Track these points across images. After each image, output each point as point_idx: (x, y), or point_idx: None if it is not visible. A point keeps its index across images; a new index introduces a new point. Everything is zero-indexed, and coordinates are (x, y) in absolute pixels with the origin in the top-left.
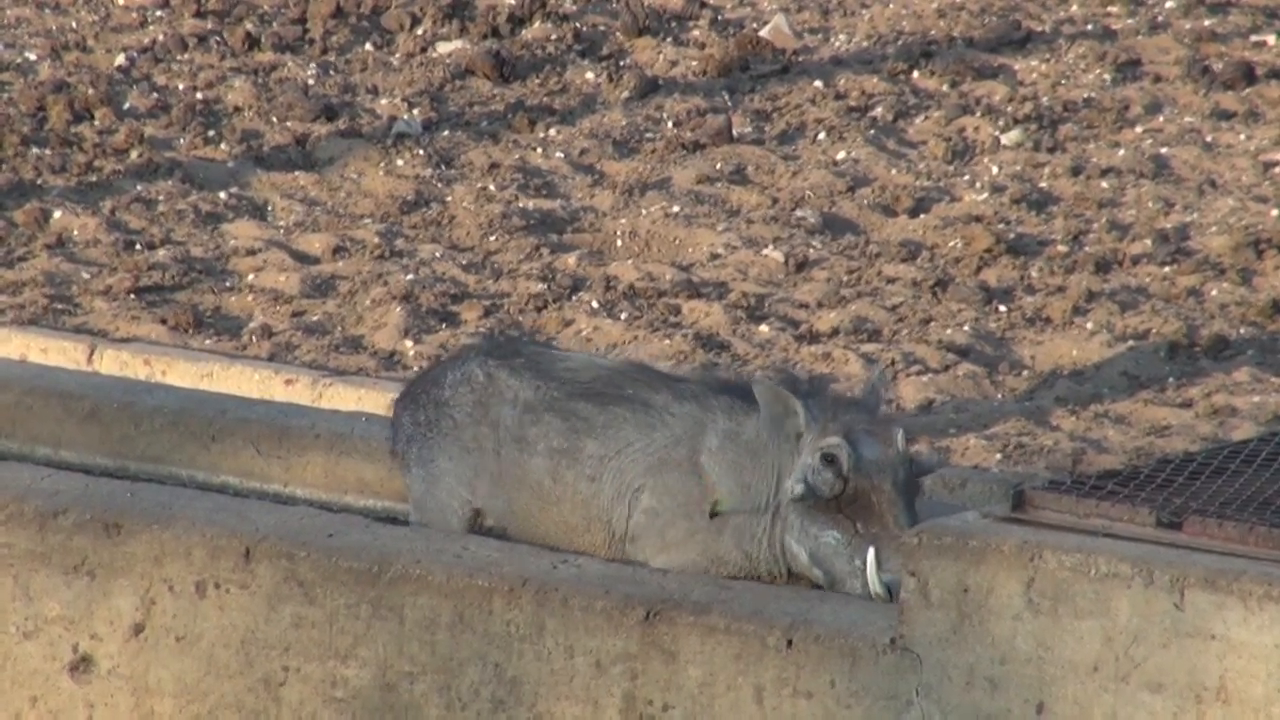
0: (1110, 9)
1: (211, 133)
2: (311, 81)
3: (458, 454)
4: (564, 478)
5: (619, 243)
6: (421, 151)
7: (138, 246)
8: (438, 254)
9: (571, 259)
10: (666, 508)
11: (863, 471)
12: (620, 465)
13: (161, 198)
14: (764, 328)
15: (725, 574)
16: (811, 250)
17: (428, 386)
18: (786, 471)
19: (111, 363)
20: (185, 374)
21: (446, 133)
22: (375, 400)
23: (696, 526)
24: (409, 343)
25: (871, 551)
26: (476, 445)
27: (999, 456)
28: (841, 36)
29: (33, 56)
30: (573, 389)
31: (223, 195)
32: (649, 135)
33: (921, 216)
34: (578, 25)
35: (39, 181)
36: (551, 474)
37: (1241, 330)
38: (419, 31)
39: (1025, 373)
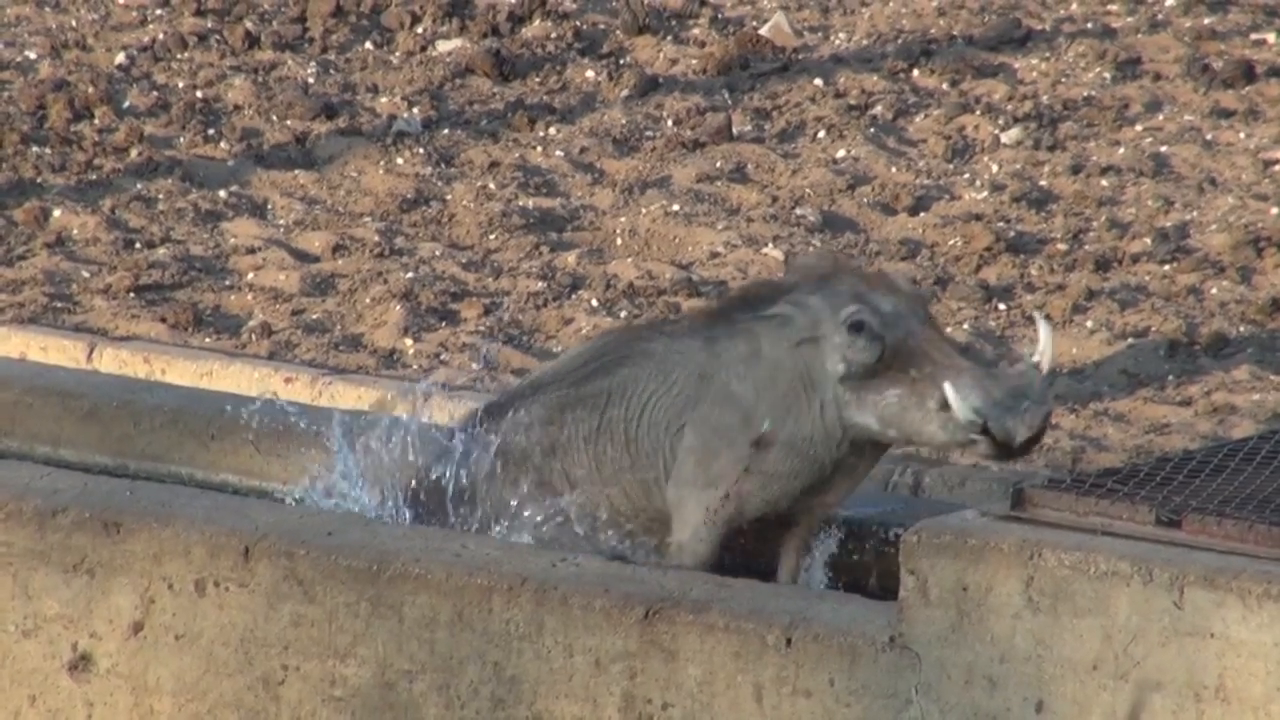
0: (1110, 7)
1: (211, 131)
2: (311, 80)
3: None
4: (607, 455)
5: (619, 241)
6: (421, 150)
7: (137, 245)
8: (437, 252)
9: (571, 257)
10: (707, 440)
11: (891, 324)
12: (651, 418)
13: (161, 196)
14: None
15: (778, 486)
16: (811, 248)
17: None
18: (814, 367)
19: (111, 361)
20: (185, 372)
21: (446, 131)
22: (374, 399)
23: (740, 455)
24: (409, 341)
25: (949, 386)
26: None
27: None
28: (841, 35)
29: (33, 55)
30: (574, 379)
31: (222, 194)
32: (649, 133)
33: (921, 215)
34: (577, 23)
35: (39, 180)
36: (595, 460)
37: (1241, 328)
38: (419, 30)
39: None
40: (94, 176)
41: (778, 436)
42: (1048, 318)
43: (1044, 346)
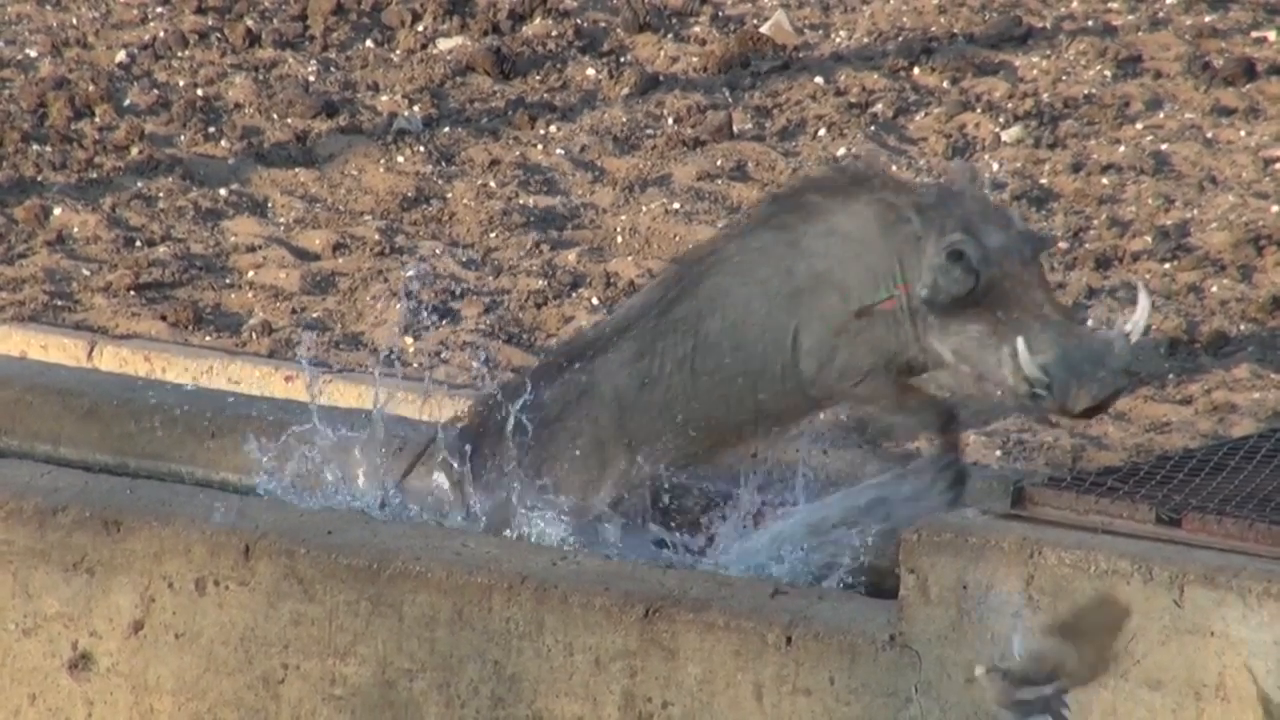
0: (1111, 5)
1: (212, 129)
2: (312, 78)
3: (602, 443)
4: (705, 368)
5: (619, 239)
6: (422, 148)
7: (138, 243)
8: (438, 250)
9: (572, 255)
10: (822, 336)
11: (991, 261)
12: (752, 321)
13: (162, 194)
14: None
15: (888, 388)
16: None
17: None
18: (908, 257)
19: (111, 359)
20: (185, 371)
21: (447, 129)
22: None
23: (855, 335)
24: (409, 339)
25: (1021, 339)
26: (616, 432)
27: (999, 453)
28: (842, 33)
29: (33, 53)
30: (658, 310)
31: (223, 192)
32: (649, 132)
33: None
34: (578, 22)
35: (39, 178)
36: (694, 379)
37: (1242, 327)
38: (419, 28)
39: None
40: (94, 175)
41: (877, 317)
42: (1148, 289)
43: (1138, 316)
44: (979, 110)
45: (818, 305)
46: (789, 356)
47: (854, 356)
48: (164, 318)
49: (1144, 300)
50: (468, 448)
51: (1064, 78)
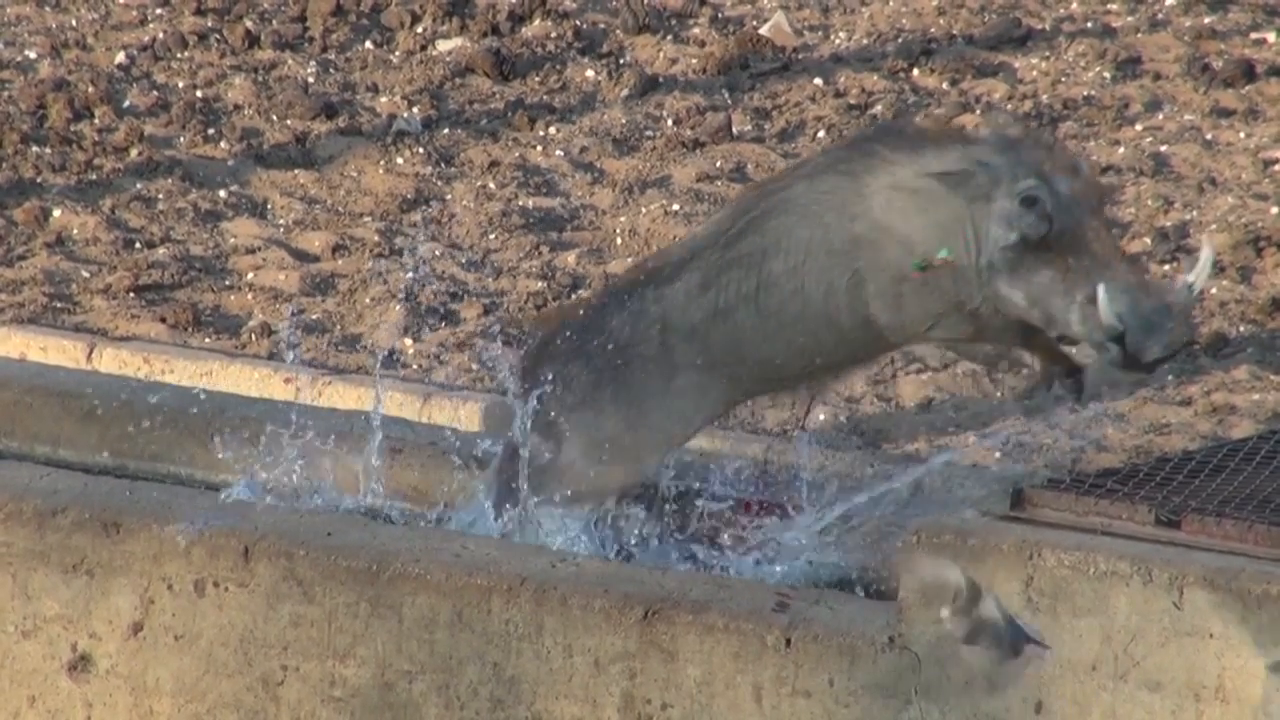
0: (1110, 6)
1: (211, 131)
2: (311, 79)
3: (676, 371)
4: (769, 308)
5: (619, 241)
6: (421, 149)
7: (137, 245)
8: (437, 252)
9: (571, 257)
10: (887, 284)
11: (1064, 207)
12: (813, 265)
13: (161, 196)
14: None
15: (963, 326)
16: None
17: (586, 341)
18: (978, 209)
19: (111, 361)
20: (185, 372)
21: (446, 130)
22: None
23: (919, 284)
24: (408, 341)
25: (1102, 285)
26: (691, 355)
27: (998, 455)
28: (842, 34)
29: (32, 54)
30: (724, 243)
31: (222, 193)
32: (649, 133)
33: None
34: (578, 23)
35: (39, 180)
36: (761, 316)
37: (1241, 328)
38: (419, 29)
39: (1025, 371)
40: (94, 176)
41: (944, 269)
42: (1212, 241)
43: (1201, 267)
44: (978, 111)
45: (880, 256)
46: (853, 303)
47: (922, 304)
48: (163, 319)
49: (1207, 252)
50: (531, 372)
51: (1063, 79)
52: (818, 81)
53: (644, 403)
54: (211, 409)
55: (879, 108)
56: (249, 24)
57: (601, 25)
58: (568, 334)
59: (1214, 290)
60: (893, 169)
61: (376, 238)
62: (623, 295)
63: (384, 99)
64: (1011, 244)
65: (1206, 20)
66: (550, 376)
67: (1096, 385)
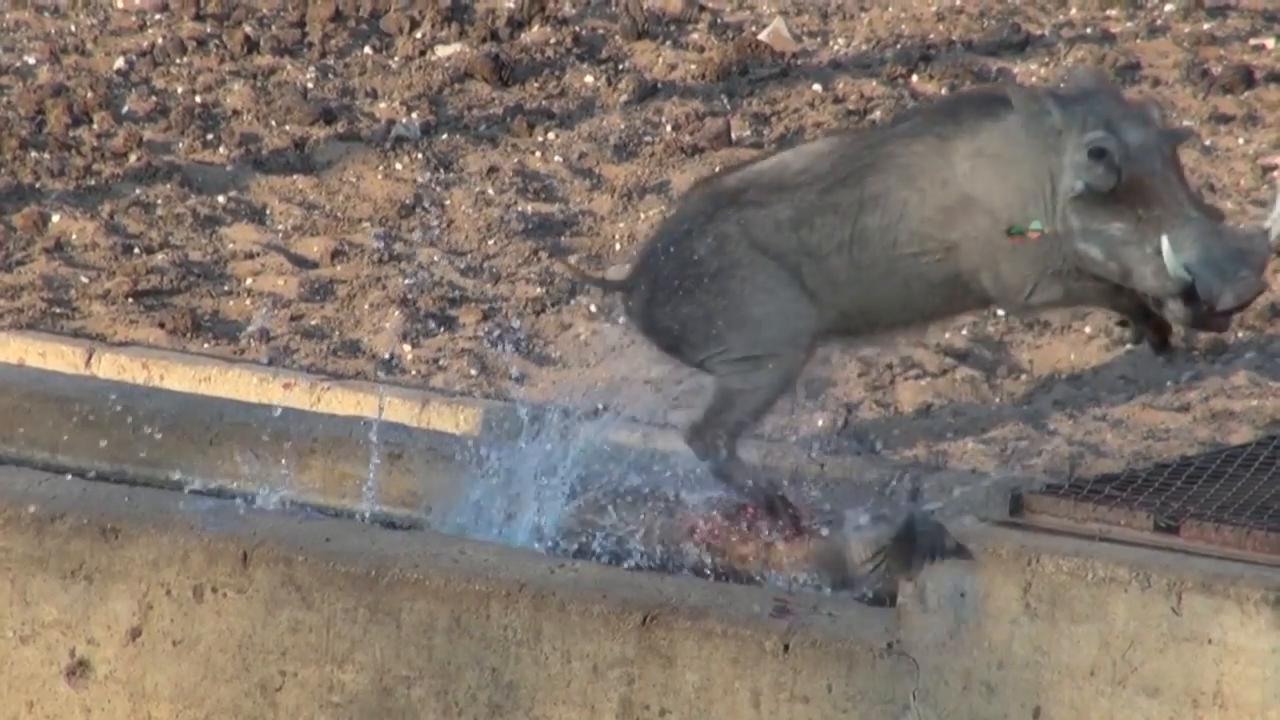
0: (1109, 12)
1: (210, 136)
2: (310, 85)
3: (769, 290)
4: (861, 260)
5: (617, 246)
6: (420, 155)
7: (136, 250)
8: (436, 257)
9: (570, 262)
10: (982, 255)
11: (1133, 158)
12: (907, 227)
13: (160, 201)
14: None
15: (1056, 288)
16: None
17: (678, 261)
18: (1056, 169)
19: (109, 367)
20: (183, 378)
21: (445, 136)
22: (373, 404)
23: (1013, 252)
24: (407, 346)
25: (1166, 237)
26: (773, 284)
27: (997, 461)
28: (840, 40)
29: (31, 60)
30: (821, 186)
31: (221, 199)
32: (648, 139)
33: None
34: (577, 29)
35: (38, 185)
36: (853, 264)
37: (1239, 334)
38: (418, 35)
39: (1023, 377)
40: (93, 182)
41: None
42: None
43: (1278, 213)
44: None
45: (972, 228)
46: (947, 268)
47: (1018, 271)
48: (162, 325)
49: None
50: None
51: (1062, 84)
52: (816, 87)
53: (751, 315)
54: (210, 414)
55: (878, 113)
56: (248, 29)
57: (601, 31)
58: (657, 265)
59: None
60: (975, 136)
61: (375, 243)
62: (701, 218)
63: (383, 104)
64: (1079, 194)
65: (1205, 26)
66: (655, 316)
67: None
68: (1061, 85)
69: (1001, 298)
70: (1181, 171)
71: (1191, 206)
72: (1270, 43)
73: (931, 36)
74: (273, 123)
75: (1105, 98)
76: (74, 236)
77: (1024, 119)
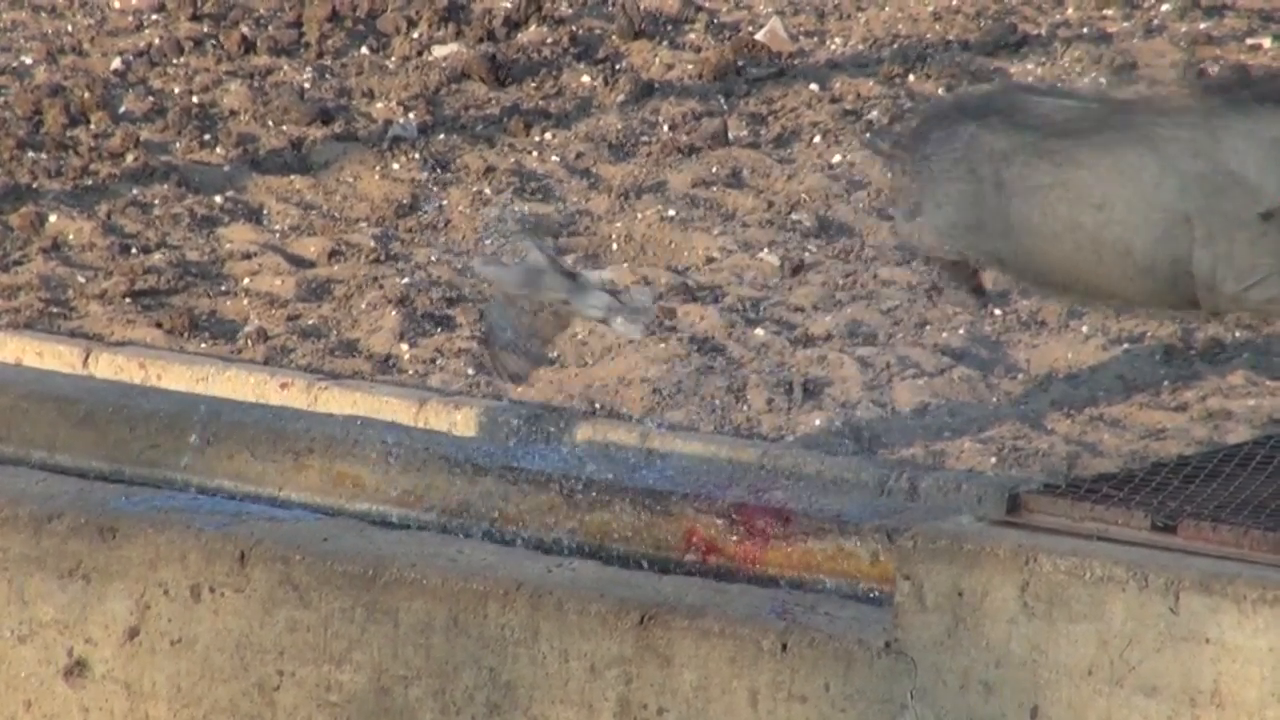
0: (1106, 12)
1: (207, 136)
2: (307, 85)
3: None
4: (1055, 211)
5: (614, 246)
6: (417, 155)
7: (133, 250)
8: (433, 257)
9: (567, 262)
10: (1218, 230)
11: None
12: (1132, 195)
13: (157, 201)
14: (759, 331)
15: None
16: (807, 254)
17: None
18: None
19: (107, 366)
20: (181, 378)
21: (442, 136)
22: (370, 404)
23: (1257, 235)
24: (404, 346)
25: None
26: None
27: (994, 460)
28: (837, 40)
29: (28, 60)
30: (1050, 130)
31: (218, 199)
32: (644, 138)
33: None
34: (574, 28)
35: (34, 185)
36: (1041, 209)
37: (1237, 334)
38: (415, 35)
39: (1020, 376)
40: (90, 182)
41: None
42: None
43: None
44: None
45: (1224, 202)
46: (1171, 246)
47: (1251, 258)
48: (159, 325)
49: None
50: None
51: (1059, 84)
52: (813, 87)
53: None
54: (207, 414)
55: (875, 113)
56: (245, 30)
57: (597, 31)
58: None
59: None
60: (1255, 119)
61: (372, 243)
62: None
63: (380, 105)
64: None
65: (1202, 26)
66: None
67: None
68: None
69: (1211, 283)
70: None
71: None
72: (1267, 42)
73: (928, 36)
74: (270, 123)
75: None
76: (71, 236)
77: None
